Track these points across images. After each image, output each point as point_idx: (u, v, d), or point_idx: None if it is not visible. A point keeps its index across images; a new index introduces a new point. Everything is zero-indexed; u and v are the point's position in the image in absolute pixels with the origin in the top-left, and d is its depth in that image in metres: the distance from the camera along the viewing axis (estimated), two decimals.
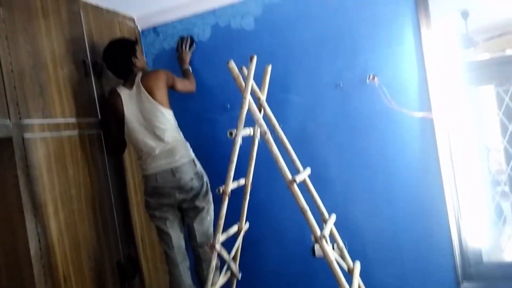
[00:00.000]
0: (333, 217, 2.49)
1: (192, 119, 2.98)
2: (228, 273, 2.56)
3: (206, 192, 2.68)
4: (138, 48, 2.70)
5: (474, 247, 2.64)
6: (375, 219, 2.75)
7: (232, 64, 2.25)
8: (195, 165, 2.63)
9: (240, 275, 2.57)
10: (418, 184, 2.64)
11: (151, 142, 2.56)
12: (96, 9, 2.83)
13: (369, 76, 2.66)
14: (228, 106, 3.04)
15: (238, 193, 2.56)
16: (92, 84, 2.67)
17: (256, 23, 2.95)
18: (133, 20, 3.20)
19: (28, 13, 2.27)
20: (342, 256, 2.51)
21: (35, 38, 2.30)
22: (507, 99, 3.03)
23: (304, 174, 2.39)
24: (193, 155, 2.66)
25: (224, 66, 2.28)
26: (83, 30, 2.66)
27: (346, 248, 2.58)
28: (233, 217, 2.57)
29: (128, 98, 2.58)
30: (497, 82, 3.05)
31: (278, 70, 2.71)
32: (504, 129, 3.13)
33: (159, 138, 2.56)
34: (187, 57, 3.03)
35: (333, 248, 2.51)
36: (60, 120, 2.39)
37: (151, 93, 2.54)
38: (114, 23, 2.99)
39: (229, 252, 2.48)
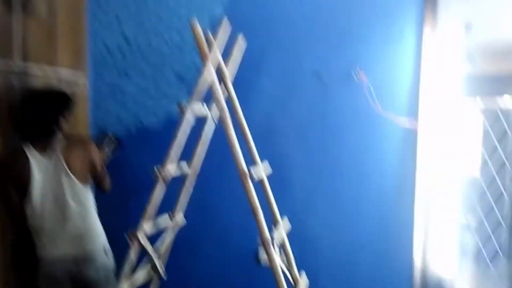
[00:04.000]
0: (286, 221, 2.18)
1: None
2: (148, 270, 2.14)
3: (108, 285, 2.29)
4: (72, 107, 2.26)
5: (436, 276, 2.44)
6: (334, 231, 2.51)
7: (196, 24, 1.91)
8: (106, 254, 2.26)
9: (165, 276, 2.17)
10: (389, 200, 2.44)
11: (56, 221, 2.16)
12: None
13: (357, 71, 2.38)
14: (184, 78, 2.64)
15: (179, 183, 2.25)
16: (15, 20, 2.14)
17: None
18: None
19: None
20: (289, 266, 2.20)
21: None
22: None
23: (262, 169, 2.10)
24: (104, 240, 2.29)
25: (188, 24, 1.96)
26: None
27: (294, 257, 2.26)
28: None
29: (39, 164, 2.12)
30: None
31: (251, 45, 2.34)
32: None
33: (67, 219, 2.16)
34: (106, 159, 2.55)
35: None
36: None
37: (69, 163, 2.15)
38: None
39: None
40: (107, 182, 2.40)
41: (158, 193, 1.97)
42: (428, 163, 2.36)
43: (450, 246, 2.51)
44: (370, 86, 2.32)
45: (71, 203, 2.14)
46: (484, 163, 2.78)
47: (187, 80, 2.59)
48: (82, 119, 2.64)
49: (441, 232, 2.46)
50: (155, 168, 1.96)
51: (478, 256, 2.77)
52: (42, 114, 2.13)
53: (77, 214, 2.16)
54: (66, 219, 2.15)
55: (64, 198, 2.13)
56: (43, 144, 2.14)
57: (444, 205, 2.45)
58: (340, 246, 2.47)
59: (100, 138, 2.59)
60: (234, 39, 2.19)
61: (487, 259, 2.70)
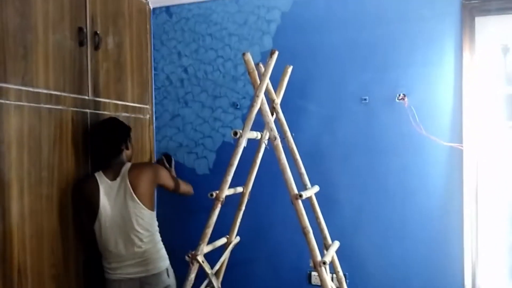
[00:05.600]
0: (337, 244, 2.26)
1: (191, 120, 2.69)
2: None
3: None
4: (129, 135, 2.43)
5: None
6: (383, 253, 2.50)
7: (248, 56, 2.01)
8: (168, 276, 2.36)
9: None
10: (437, 221, 2.40)
11: (123, 245, 2.24)
12: None
13: (399, 95, 2.42)
14: (238, 105, 2.78)
15: (233, 203, 2.34)
16: (86, 56, 2.35)
17: (283, 18, 2.68)
18: None
19: None
20: (340, 286, 2.27)
21: None
22: None
23: (312, 191, 2.17)
24: (167, 263, 2.39)
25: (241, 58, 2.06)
26: None
27: (346, 280, 2.37)
28: (223, 230, 2.34)
29: (108, 190, 2.24)
30: None
31: (299, 74, 2.48)
32: None
33: (133, 243, 2.25)
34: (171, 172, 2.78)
35: (332, 279, 2.28)
36: (42, 91, 2.05)
37: (135, 189, 2.24)
38: None
39: (212, 267, 2.19)
40: (187, 189, 2.63)
41: (215, 215, 2.03)
42: (475, 182, 2.35)
43: (500, 266, 2.49)
44: (413, 109, 2.36)
45: (136, 227, 2.22)
46: None
47: (241, 107, 2.73)
48: (148, 146, 2.86)
49: (490, 252, 2.45)
50: (213, 192, 2.02)
51: None
52: (108, 138, 2.28)
53: (142, 237, 2.24)
54: (131, 243, 2.22)
55: (130, 222, 2.21)
56: (111, 169, 2.28)
57: (492, 223, 2.45)
58: (389, 266, 2.47)
59: (160, 159, 2.83)
60: (282, 67, 2.24)
61: None
